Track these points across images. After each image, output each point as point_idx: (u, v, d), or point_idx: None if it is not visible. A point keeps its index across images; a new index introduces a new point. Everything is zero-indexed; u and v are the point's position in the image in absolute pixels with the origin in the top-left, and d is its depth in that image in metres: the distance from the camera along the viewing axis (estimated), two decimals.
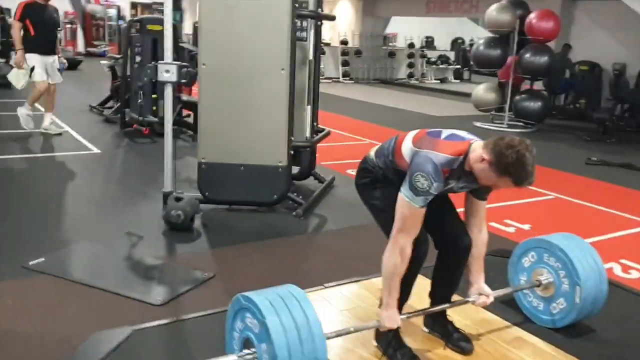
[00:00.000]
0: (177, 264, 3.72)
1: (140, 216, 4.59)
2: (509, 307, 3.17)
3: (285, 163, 4.67)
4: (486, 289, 2.74)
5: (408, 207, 2.35)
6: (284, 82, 4.53)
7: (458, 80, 18.82)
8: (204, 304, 3.15)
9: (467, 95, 14.52)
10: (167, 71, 4.44)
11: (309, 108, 4.93)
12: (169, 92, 4.59)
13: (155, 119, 7.32)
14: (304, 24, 4.84)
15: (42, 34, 6.75)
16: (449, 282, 2.73)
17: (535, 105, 9.57)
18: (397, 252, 2.39)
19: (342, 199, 5.37)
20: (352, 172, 6.42)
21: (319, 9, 5.07)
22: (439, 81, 18.28)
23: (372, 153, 2.68)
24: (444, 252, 2.68)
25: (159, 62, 4.49)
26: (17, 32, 6.68)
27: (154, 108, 7.41)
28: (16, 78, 6.86)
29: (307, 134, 4.93)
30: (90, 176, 5.88)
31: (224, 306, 3.06)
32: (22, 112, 7.10)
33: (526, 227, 4.74)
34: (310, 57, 4.84)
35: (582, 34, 11.02)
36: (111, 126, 8.19)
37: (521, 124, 9.72)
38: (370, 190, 2.65)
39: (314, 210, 4.90)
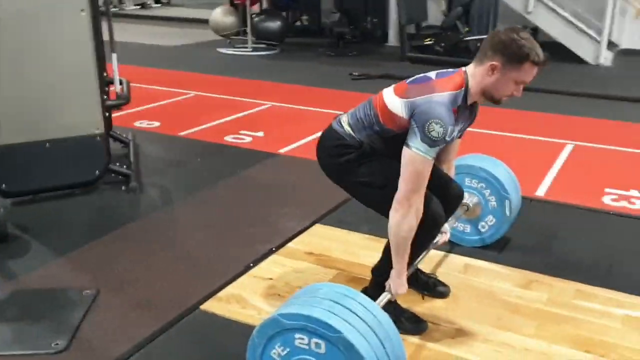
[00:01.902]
0: (38, 288, 2.79)
1: None
2: None
3: (102, 130, 3.82)
4: (446, 226, 2.64)
5: (422, 162, 2.07)
6: (86, 27, 3.59)
7: (159, 5, 17.74)
8: (119, 332, 2.45)
9: (186, 21, 13.86)
10: None
11: (114, 56, 4.02)
12: None
13: None
14: None
15: None
16: None
17: (275, 25, 9.55)
18: (412, 214, 2.11)
19: (160, 159, 4.68)
20: (140, 124, 5.75)
21: None
22: (139, 7, 16.96)
23: (346, 127, 2.29)
24: None
25: None
26: None
27: None
28: None
29: (117, 88, 4.06)
30: None
31: (146, 327, 2.45)
32: None
33: None
34: None
35: None
36: None
37: (264, 45, 9.65)
38: (357, 167, 2.27)
39: (141, 179, 4.15)
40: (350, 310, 1.77)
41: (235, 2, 9.83)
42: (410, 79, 2.23)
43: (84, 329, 2.48)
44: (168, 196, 3.97)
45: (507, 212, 2.98)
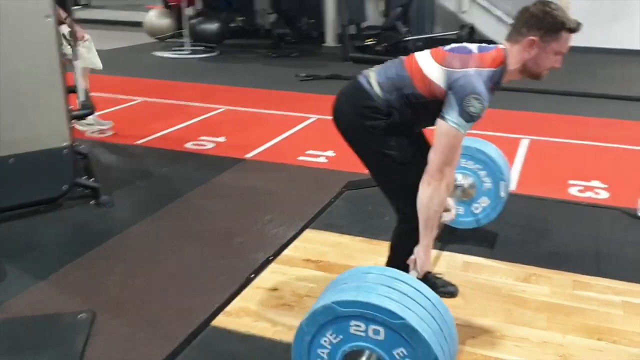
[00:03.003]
0: (29, 315, 2.61)
1: None
2: None
3: (69, 142, 3.63)
4: (450, 202, 2.58)
5: (456, 136, 2.06)
6: (52, 35, 3.39)
7: (78, 7, 16.99)
8: (130, 356, 2.33)
9: (111, 23, 13.35)
10: None
11: (77, 64, 3.81)
12: None
13: None
14: None
15: None
16: None
17: (212, 26, 9.38)
18: (443, 187, 2.10)
19: (123, 170, 4.49)
20: (92, 133, 5.45)
21: None
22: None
23: (375, 87, 2.18)
24: None
25: None
26: None
27: None
28: None
29: (81, 97, 3.85)
30: None
31: (158, 348, 2.35)
32: None
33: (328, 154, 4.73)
34: None
35: None
36: None
37: (202, 48, 9.46)
38: (383, 136, 2.19)
39: (110, 192, 3.96)
40: (407, 295, 1.74)
41: (170, 3, 9.57)
42: (449, 47, 2.20)
43: (90, 356, 2.34)
44: (142, 208, 3.80)
45: (502, 194, 3.04)
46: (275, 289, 2.77)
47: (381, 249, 3.06)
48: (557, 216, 3.61)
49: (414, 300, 1.74)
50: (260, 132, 5.33)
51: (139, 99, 6.57)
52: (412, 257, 2.24)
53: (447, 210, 2.56)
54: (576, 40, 7.97)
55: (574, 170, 4.37)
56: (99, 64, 5.00)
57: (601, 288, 2.75)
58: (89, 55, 4.78)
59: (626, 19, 9.21)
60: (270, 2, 10.56)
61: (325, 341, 1.80)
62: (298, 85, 7.37)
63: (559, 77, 7.75)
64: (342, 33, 8.75)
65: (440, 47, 2.22)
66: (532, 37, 2.07)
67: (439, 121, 2.09)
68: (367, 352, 1.75)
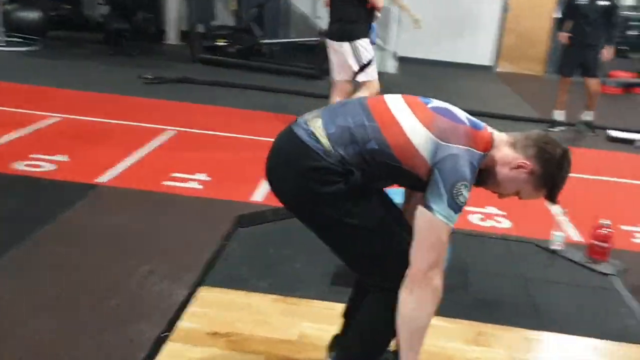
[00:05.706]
0: None
1: None
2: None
3: None
4: None
5: (445, 231, 1.64)
6: None
7: None
8: None
9: None
10: None
11: None
12: None
13: None
14: None
15: None
16: None
17: (33, 15, 8.00)
18: (430, 295, 1.66)
19: None
20: None
21: None
22: None
23: (322, 140, 1.67)
24: None
25: None
26: None
27: None
28: None
29: None
30: None
31: None
32: None
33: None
34: None
35: None
36: None
37: (20, 40, 8.03)
38: (344, 202, 1.68)
39: None
40: None
41: None
42: (432, 103, 1.77)
43: None
44: None
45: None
46: None
47: (302, 310, 2.53)
48: (472, 251, 3.28)
49: None
50: (110, 148, 4.44)
51: None
52: None
53: None
54: (427, 53, 8.14)
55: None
56: None
57: (554, 347, 2.46)
58: None
59: (470, 37, 9.59)
60: None
61: None
62: (144, 89, 6.48)
63: (405, 87, 7.83)
64: (190, 31, 7.94)
65: (421, 101, 1.77)
66: (530, 163, 1.72)
67: (421, 211, 1.64)
68: None
